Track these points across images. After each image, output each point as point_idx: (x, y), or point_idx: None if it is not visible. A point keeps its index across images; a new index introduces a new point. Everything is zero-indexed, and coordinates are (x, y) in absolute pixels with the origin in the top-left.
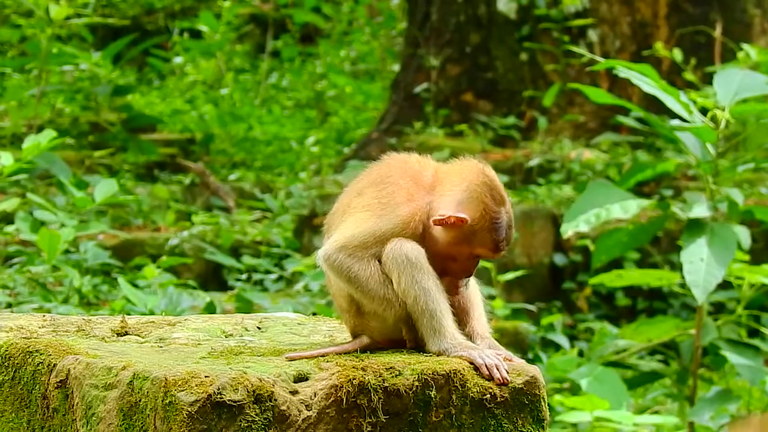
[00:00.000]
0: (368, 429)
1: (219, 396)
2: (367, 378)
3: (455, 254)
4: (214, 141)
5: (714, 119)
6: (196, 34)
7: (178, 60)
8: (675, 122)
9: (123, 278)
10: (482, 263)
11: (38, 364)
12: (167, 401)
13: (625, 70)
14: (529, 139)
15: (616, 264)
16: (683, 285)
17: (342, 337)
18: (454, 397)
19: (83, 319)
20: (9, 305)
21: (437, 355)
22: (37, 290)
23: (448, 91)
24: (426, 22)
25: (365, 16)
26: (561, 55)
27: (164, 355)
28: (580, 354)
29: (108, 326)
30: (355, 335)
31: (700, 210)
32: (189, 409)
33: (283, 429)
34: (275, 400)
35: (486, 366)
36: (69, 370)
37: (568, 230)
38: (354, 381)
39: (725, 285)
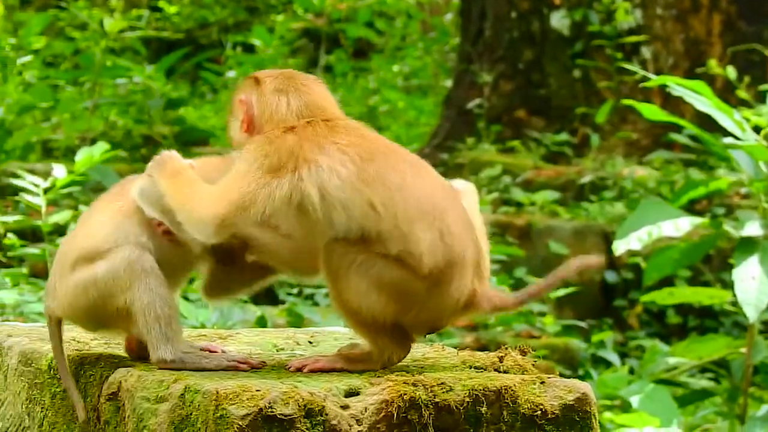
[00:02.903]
0: None
1: (270, 410)
2: (418, 393)
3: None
4: None
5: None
6: (249, 48)
7: (231, 74)
8: (728, 140)
9: None
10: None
11: (90, 376)
12: (218, 414)
13: (678, 88)
14: (582, 155)
15: (668, 282)
16: (735, 303)
17: None
18: (505, 413)
19: None
20: None
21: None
22: None
23: (501, 107)
24: (479, 38)
25: (418, 31)
26: (614, 71)
27: None
28: (631, 371)
29: None
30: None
31: (753, 228)
32: (240, 422)
33: None
34: (326, 414)
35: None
36: (121, 383)
37: (620, 248)
38: (405, 396)
39: None
